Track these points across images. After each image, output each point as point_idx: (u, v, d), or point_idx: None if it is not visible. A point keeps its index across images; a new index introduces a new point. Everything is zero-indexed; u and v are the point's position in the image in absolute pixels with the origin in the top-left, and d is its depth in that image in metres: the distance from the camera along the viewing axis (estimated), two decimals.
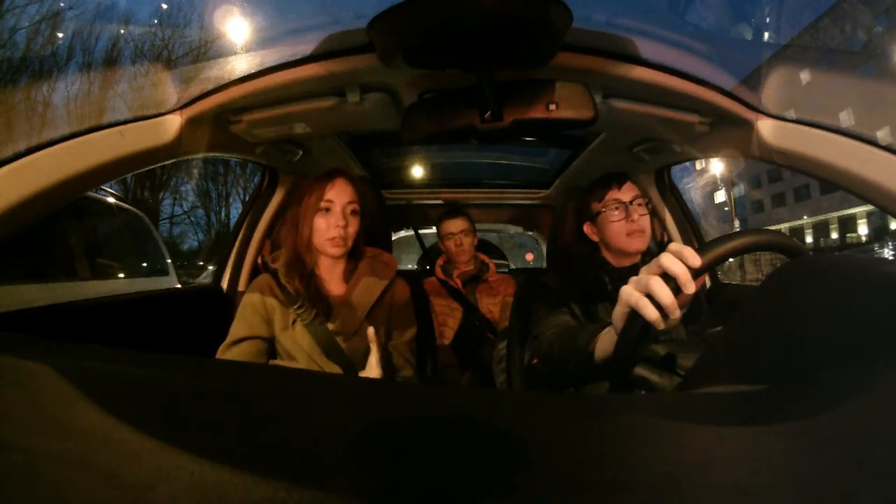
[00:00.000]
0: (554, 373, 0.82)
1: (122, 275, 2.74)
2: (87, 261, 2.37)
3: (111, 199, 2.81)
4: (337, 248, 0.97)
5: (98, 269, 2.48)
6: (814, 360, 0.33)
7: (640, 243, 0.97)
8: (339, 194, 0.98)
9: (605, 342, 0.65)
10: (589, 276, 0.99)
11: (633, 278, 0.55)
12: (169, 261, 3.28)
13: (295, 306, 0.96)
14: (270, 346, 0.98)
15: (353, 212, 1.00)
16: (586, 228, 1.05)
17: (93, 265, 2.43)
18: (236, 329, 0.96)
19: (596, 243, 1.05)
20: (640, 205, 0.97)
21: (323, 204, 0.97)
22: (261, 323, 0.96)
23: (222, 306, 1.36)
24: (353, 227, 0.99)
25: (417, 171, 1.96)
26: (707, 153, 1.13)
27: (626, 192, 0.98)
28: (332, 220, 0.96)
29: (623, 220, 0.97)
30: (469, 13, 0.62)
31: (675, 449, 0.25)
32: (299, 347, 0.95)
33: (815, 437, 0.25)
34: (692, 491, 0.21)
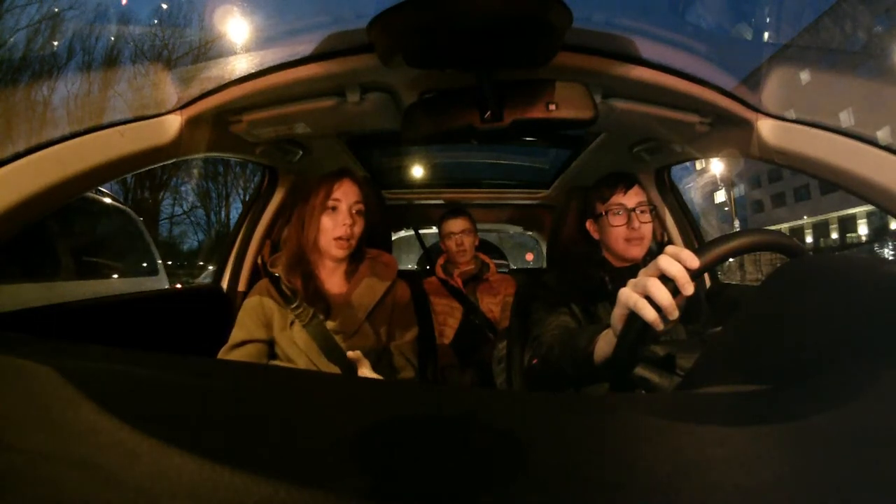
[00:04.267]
0: (554, 374, 0.82)
1: (109, 275, 2.68)
2: (72, 260, 2.32)
3: (101, 198, 2.75)
4: (342, 250, 0.98)
5: (84, 268, 2.42)
6: (814, 360, 0.34)
7: (637, 251, 0.96)
8: (346, 194, 0.98)
9: (605, 344, 0.65)
10: (589, 276, 0.98)
11: (632, 280, 0.55)
12: (160, 261, 3.23)
13: (292, 306, 0.96)
14: (270, 348, 0.98)
15: (359, 212, 1.01)
16: (588, 225, 1.05)
17: (79, 264, 2.37)
18: (236, 334, 0.97)
19: (597, 241, 1.05)
20: (643, 211, 0.96)
21: (330, 203, 0.97)
22: (260, 326, 0.97)
23: (222, 306, 1.36)
24: (358, 227, 1.00)
25: (417, 171, 1.96)
26: (707, 153, 1.13)
27: (632, 198, 0.97)
28: (338, 219, 0.97)
29: (624, 225, 0.96)
30: (469, 13, 0.62)
31: (675, 449, 0.25)
32: (297, 348, 0.95)
33: (815, 437, 0.25)
34: (692, 491, 0.21)
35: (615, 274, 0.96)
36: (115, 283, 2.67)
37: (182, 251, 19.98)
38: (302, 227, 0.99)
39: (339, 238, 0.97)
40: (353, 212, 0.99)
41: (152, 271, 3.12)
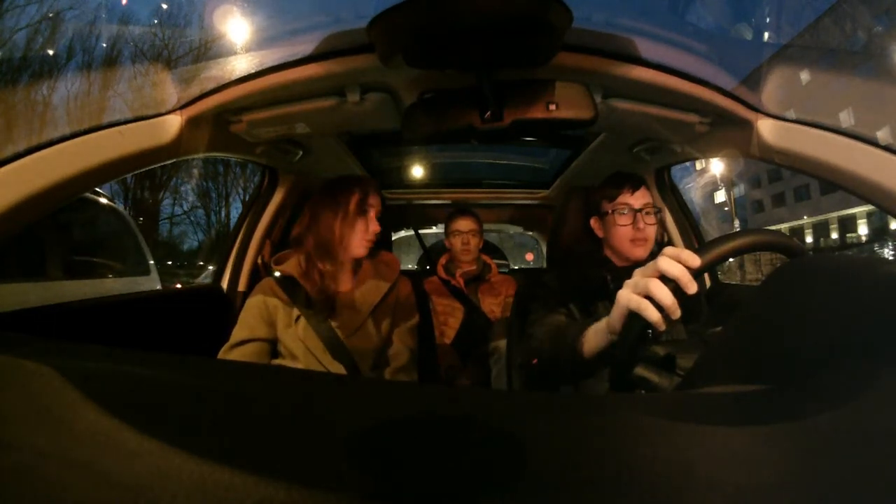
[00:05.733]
0: (549, 371, 0.82)
1: (97, 275, 2.57)
2: (59, 259, 2.24)
3: (91, 196, 2.64)
4: (367, 249, 1.05)
5: (71, 268, 2.33)
6: (814, 360, 0.33)
7: (642, 251, 0.97)
8: (376, 201, 1.06)
9: (593, 336, 0.66)
10: (590, 274, 0.99)
11: (629, 281, 0.55)
12: (152, 261, 3.14)
13: (302, 305, 0.97)
14: (272, 347, 0.99)
15: (378, 216, 1.07)
16: (593, 223, 1.06)
17: (65, 264, 2.28)
18: (238, 332, 0.97)
19: (600, 239, 1.05)
20: (648, 213, 0.97)
21: (366, 208, 1.05)
22: (262, 325, 0.97)
23: (222, 306, 1.36)
24: (378, 228, 1.07)
25: (417, 171, 1.96)
26: (707, 153, 1.13)
27: (638, 199, 0.98)
28: (369, 224, 1.04)
29: (629, 226, 0.97)
30: (469, 13, 0.62)
31: (675, 449, 0.25)
32: (301, 344, 0.95)
33: (815, 437, 0.25)
34: (693, 491, 0.21)
35: (617, 273, 0.97)
36: (103, 284, 2.55)
37: (182, 251, 19.99)
38: (335, 224, 1.02)
39: (369, 240, 1.04)
40: (377, 217, 1.07)
41: (143, 271, 3.03)
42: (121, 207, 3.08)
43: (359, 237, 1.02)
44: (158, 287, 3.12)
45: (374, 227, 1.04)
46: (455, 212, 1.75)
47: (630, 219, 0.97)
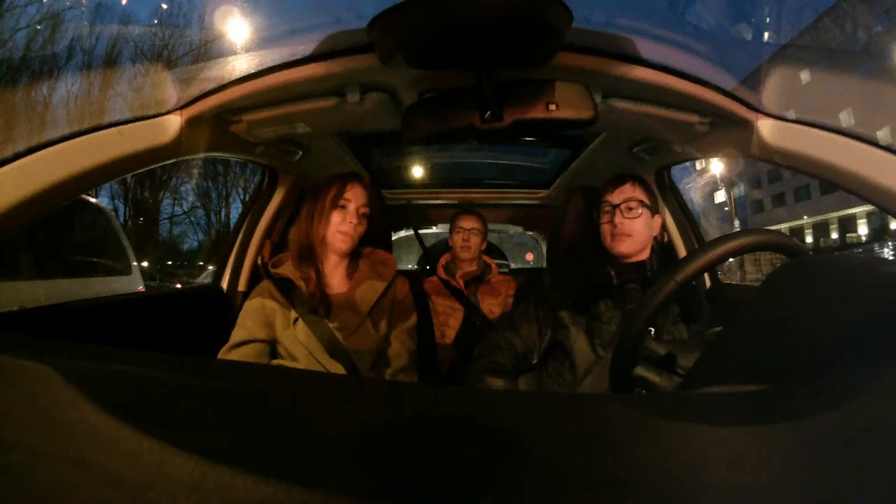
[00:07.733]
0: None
1: (74, 273, 2.50)
2: (32, 257, 2.19)
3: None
4: (345, 243, 1.02)
5: (45, 266, 2.27)
6: (814, 360, 0.34)
7: (623, 247, 0.98)
8: (355, 195, 1.04)
9: None
10: (595, 272, 1.00)
11: None
12: (135, 263, 3.06)
13: (299, 307, 0.97)
14: (271, 348, 0.99)
15: (364, 214, 1.05)
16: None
17: (38, 262, 2.23)
18: (236, 334, 0.98)
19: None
20: (629, 208, 0.99)
21: (341, 201, 1.02)
22: (261, 326, 0.97)
23: (222, 307, 1.36)
24: (361, 228, 1.05)
25: (417, 171, 1.96)
26: (707, 153, 1.13)
27: (618, 195, 1.00)
28: (346, 217, 1.02)
29: (608, 223, 1.00)
30: (469, 13, 0.62)
31: (675, 449, 0.25)
32: (300, 345, 0.95)
33: (815, 437, 0.25)
34: (692, 491, 0.21)
35: (622, 269, 0.98)
36: (77, 284, 2.47)
37: (182, 251, 20.01)
38: (311, 221, 1.03)
39: (344, 233, 1.01)
40: (360, 213, 1.04)
41: (124, 271, 2.95)
42: (105, 205, 3.01)
43: (333, 231, 1.01)
44: (140, 288, 3.05)
45: (352, 219, 1.02)
46: (461, 210, 1.78)
47: (609, 216, 1.00)
